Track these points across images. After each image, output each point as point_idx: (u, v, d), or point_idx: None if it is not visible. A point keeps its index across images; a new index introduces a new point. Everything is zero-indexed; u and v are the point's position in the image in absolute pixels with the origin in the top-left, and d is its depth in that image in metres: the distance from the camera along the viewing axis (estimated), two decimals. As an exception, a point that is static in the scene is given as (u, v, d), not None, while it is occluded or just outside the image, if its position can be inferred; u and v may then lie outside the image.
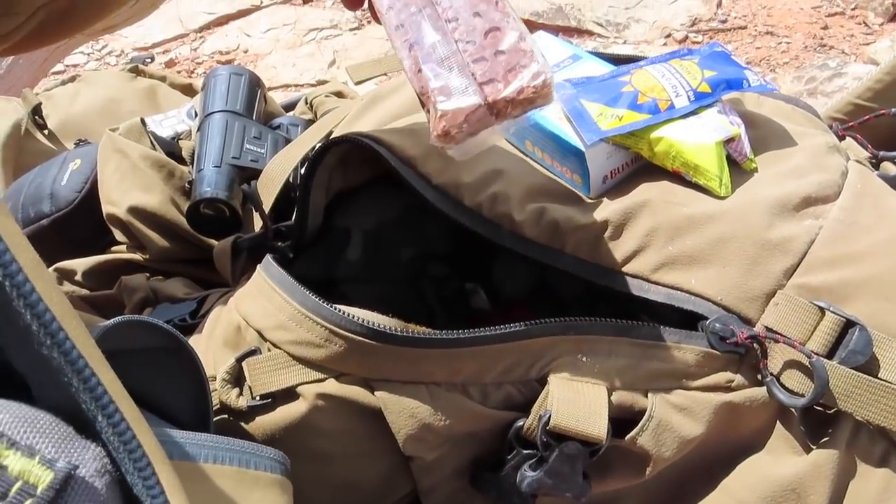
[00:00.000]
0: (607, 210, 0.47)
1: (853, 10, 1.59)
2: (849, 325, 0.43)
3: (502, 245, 0.47)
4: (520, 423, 0.44)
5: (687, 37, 1.53)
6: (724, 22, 1.56)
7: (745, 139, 0.47)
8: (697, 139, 0.45)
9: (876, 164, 0.58)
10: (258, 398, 0.44)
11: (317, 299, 0.42)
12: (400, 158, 0.49)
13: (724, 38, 1.54)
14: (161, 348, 0.39)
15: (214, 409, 0.45)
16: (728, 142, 0.46)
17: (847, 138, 0.58)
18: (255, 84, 0.72)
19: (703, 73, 0.48)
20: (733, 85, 0.48)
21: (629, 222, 0.46)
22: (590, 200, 0.48)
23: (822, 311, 0.43)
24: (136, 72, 0.96)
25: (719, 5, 1.61)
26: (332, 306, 0.42)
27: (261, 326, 0.45)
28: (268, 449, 0.36)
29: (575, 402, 0.42)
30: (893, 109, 0.59)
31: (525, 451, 0.44)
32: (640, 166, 0.49)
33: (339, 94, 0.83)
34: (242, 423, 0.44)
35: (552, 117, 0.51)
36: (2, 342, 0.25)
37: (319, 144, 0.52)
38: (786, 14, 1.58)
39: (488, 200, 0.47)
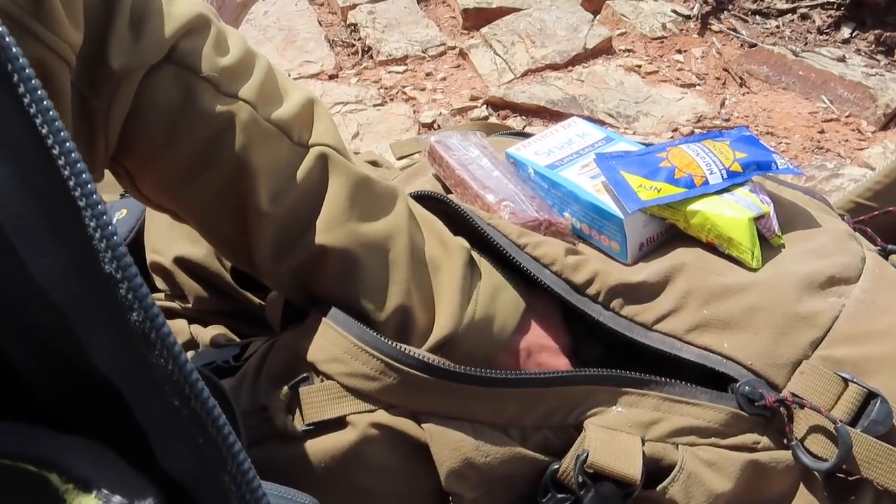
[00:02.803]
0: (645, 270, 0.50)
1: (847, 117, 1.68)
2: (870, 396, 0.45)
3: (542, 284, 0.50)
4: (555, 466, 0.45)
5: (693, 132, 1.61)
6: (727, 121, 1.65)
7: (775, 217, 0.51)
8: (731, 214, 0.49)
9: (884, 256, 0.62)
10: (310, 425, 0.45)
11: (374, 334, 0.45)
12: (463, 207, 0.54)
13: (726, 136, 1.62)
14: None
15: (263, 436, 0.46)
16: (759, 218, 0.50)
17: (857, 231, 0.62)
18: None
19: (735, 154, 0.52)
20: (763, 166, 0.52)
21: (666, 283, 0.49)
22: (628, 265, 0.52)
23: (846, 381, 0.46)
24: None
25: (723, 105, 1.71)
26: (389, 341, 0.45)
27: (314, 359, 0.47)
28: (303, 495, 0.37)
29: (611, 444, 0.45)
30: None
31: (560, 496, 0.45)
32: (673, 235, 0.53)
33: (374, 163, 0.87)
34: (293, 450, 0.46)
35: (589, 189, 0.55)
36: (132, 393, 0.26)
37: None
38: (785, 117, 1.67)
39: (534, 242, 0.51)
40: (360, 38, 1.93)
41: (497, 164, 0.64)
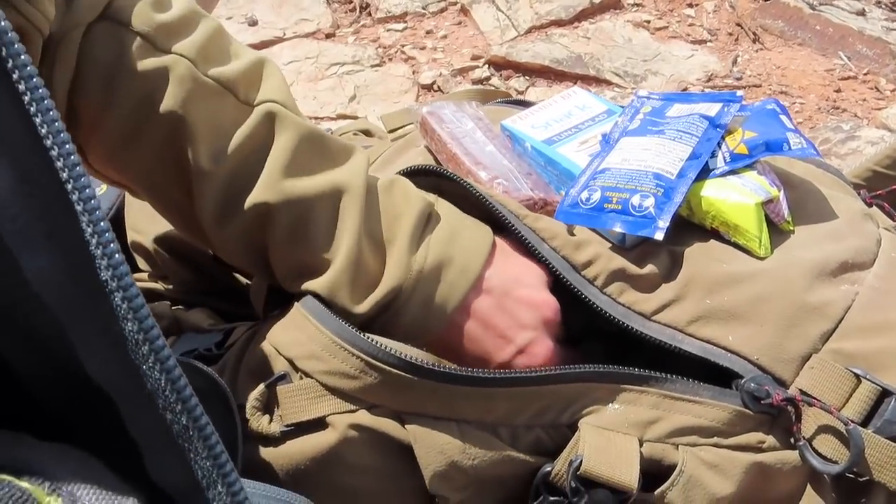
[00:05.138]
0: (646, 257, 0.47)
1: (865, 74, 1.62)
2: (884, 394, 0.42)
3: (539, 257, 0.47)
4: (547, 468, 0.43)
5: (703, 91, 1.55)
6: (739, 79, 1.59)
7: (784, 201, 0.48)
8: (738, 199, 0.46)
9: (902, 232, 0.58)
10: (289, 426, 0.43)
11: (354, 330, 0.43)
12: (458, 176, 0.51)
13: (738, 95, 1.57)
14: (198, 389, 0.39)
15: (242, 435, 0.44)
16: (767, 203, 0.47)
17: (873, 205, 0.59)
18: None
19: (744, 135, 0.48)
20: (772, 147, 0.48)
21: (668, 271, 0.46)
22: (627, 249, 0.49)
23: (858, 378, 0.43)
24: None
25: (735, 63, 1.64)
26: (368, 338, 0.42)
27: (292, 356, 0.45)
28: (298, 497, 0.36)
29: (606, 449, 0.42)
30: None
31: (552, 498, 0.43)
32: (676, 222, 0.50)
33: (367, 133, 0.83)
34: (271, 451, 0.44)
35: (589, 168, 0.51)
36: (124, 403, 0.25)
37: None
38: (799, 75, 1.61)
39: (534, 216, 0.48)
40: (358, -6, 1.86)
41: (492, 137, 0.61)
